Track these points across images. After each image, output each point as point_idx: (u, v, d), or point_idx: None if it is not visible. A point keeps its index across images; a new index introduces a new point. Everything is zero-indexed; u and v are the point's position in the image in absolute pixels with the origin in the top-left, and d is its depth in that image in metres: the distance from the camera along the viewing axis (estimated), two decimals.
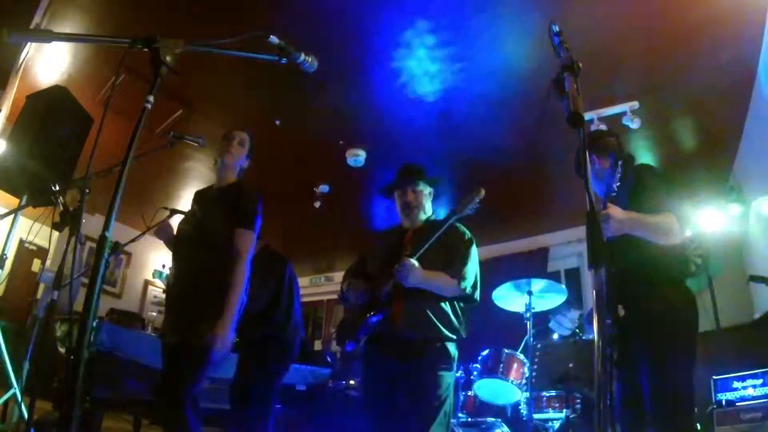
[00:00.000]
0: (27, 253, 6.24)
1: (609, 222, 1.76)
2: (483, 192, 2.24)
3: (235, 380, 3.12)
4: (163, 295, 7.60)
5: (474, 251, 2.30)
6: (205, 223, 2.20)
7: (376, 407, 2.21)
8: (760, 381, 3.23)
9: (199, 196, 2.40)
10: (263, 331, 3.13)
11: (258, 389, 2.99)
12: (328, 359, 5.45)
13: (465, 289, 2.18)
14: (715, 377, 3.46)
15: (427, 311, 2.16)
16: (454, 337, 2.21)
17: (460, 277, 2.18)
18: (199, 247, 2.15)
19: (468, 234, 2.35)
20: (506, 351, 3.58)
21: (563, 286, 3.75)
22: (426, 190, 2.41)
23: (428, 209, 2.41)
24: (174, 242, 2.31)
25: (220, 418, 4.24)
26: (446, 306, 2.20)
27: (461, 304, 2.27)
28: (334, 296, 8.22)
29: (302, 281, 3.93)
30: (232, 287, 2.05)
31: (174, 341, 2.08)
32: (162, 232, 2.34)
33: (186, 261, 2.19)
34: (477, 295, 2.24)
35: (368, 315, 2.18)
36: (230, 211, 2.18)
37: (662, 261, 1.94)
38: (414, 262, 2.08)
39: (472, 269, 2.25)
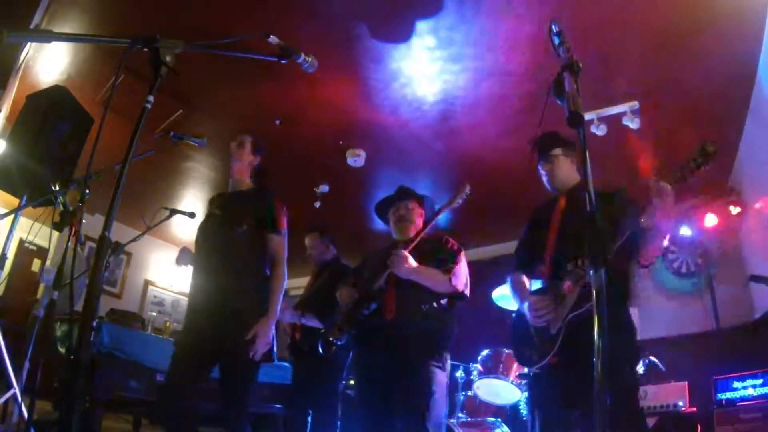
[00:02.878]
0: (27, 253, 6.24)
1: (668, 196, 1.70)
2: (468, 187, 2.45)
3: (297, 387, 3.49)
4: (163, 295, 7.67)
5: (464, 257, 2.42)
6: (232, 223, 2.23)
7: (370, 406, 2.25)
8: (760, 381, 3.23)
9: (217, 200, 2.43)
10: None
11: (332, 390, 3.33)
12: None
13: (456, 286, 2.27)
14: (715, 377, 3.46)
15: (419, 305, 2.24)
16: (445, 333, 2.29)
17: (452, 275, 2.28)
18: (228, 250, 2.18)
19: (457, 244, 2.48)
20: (506, 351, 3.58)
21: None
22: (418, 210, 2.56)
23: (418, 226, 2.51)
24: (197, 247, 2.32)
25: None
26: (437, 303, 2.28)
27: (451, 303, 2.35)
28: None
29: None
30: (273, 291, 2.14)
31: (219, 351, 2.08)
32: (182, 258, 2.34)
33: (213, 266, 2.19)
34: (467, 291, 2.35)
35: (362, 307, 2.26)
36: (255, 214, 2.24)
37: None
38: (406, 252, 2.22)
39: (463, 271, 2.36)
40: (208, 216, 2.37)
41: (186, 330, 2.25)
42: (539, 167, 2.20)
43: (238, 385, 2.09)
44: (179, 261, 2.35)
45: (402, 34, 3.52)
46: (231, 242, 2.17)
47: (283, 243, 2.26)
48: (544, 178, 2.19)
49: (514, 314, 2.19)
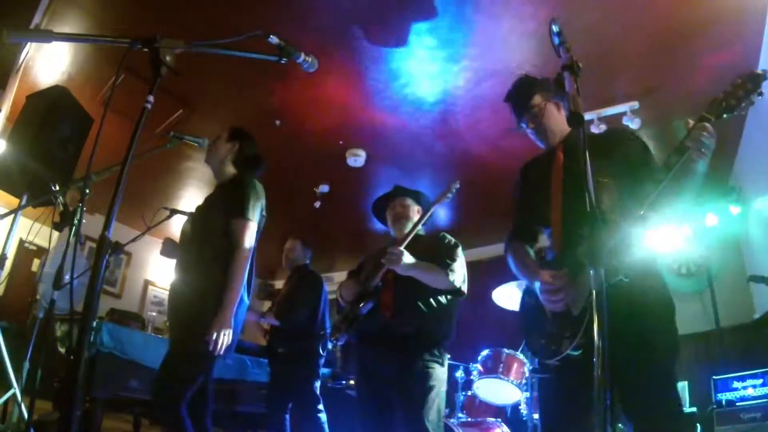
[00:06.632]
0: (27, 253, 6.24)
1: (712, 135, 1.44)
2: (457, 182, 2.43)
3: (273, 386, 3.55)
4: (164, 295, 7.67)
5: (461, 253, 2.40)
6: (204, 217, 2.17)
7: (370, 403, 2.27)
8: (760, 381, 3.23)
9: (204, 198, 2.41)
10: (302, 344, 3.49)
11: (309, 388, 3.40)
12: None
13: (453, 281, 2.26)
14: (715, 377, 3.46)
15: (417, 302, 2.23)
16: (443, 331, 2.29)
17: (450, 270, 2.27)
18: (197, 243, 2.12)
19: (454, 240, 2.47)
20: (506, 351, 3.58)
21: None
22: (414, 207, 2.55)
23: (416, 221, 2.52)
24: (179, 240, 2.29)
25: (220, 418, 4.25)
26: (435, 300, 2.27)
27: (450, 299, 2.34)
28: (335, 296, 8.19)
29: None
30: (230, 280, 1.96)
31: (172, 339, 2.07)
32: (166, 249, 2.31)
33: (184, 257, 2.16)
34: (464, 287, 2.32)
35: (359, 306, 2.26)
36: (226, 203, 2.13)
37: None
38: (402, 249, 2.20)
39: (461, 266, 2.34)
40: (192, 212, 2.34)
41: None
42: (522, 126, 1.88)
43: (178, 373, 1.94)
44: (163, 252, 2.31)
45: (402, 33, 3.52)
46: (201, 234, 2.11)
47: (243, 227, 2.04)
48: (532, 136, 1.86)
49: (523, 294, 1.84)
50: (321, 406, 3.43)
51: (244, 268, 2.03)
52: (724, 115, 1.45)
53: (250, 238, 2.07)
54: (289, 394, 3.46)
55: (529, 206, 1.86)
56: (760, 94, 1.40)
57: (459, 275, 2.30)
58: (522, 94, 1.86)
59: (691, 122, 1.46)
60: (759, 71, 1.41)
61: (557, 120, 1.81)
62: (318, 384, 3.51)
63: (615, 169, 1.60)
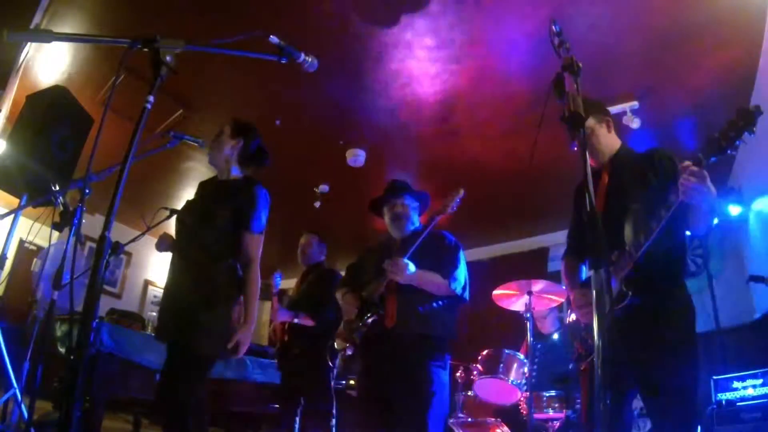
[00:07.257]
0: (27, 253, 6.23)
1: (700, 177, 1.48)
2: (462, 191, 2.38)
3: (286, 387, 3.54)
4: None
5: (462, 256, 2.40)
6: (207, 216, 2.14)
7: (372, 405, 2.25)
8: (760, 381, 3.23)
9: (201, 188, 2.36)
10: (321, 344, 3.43)
11: (325, 389, 3.29)
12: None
13: (455, 289, 2.26)
14: (715, 377, 3.46)
15: (419, 309, 2.23)
16: (446, 335, 2.29)
17: (451, 277, 2.27)
18: (198, 243, 2.09)
19: (455, 240, 2.46)
20: (506, 351, 3.58)
21: (563, 286, 3.75)
22: (413, 204, 2.51)
23: (415, 221, 2.49)
24: (175, 234, 2.25)
25: (220, 418, 4.25)
26: (437, 305, 2.27)
27: (451, 304, 2.33)
28: None
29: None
30: (249, 294, 2.06)
31: (172, 340, 2.02)
32: (162, 244, 2.27)
33: (184, 256, 2.13)
34: (466, 294, 2.34)
35: (364, 318, 2.25)
36: (234, 208, 2.12)
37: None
38: (406, 260, 2.19)
39: (462, 271, 2.34)
40: (190, 202, 2.29)
41: (157, 319, 2.21)
42: (575, 145, 2.05)
43: (183, 379, 1.95)
44: (159, 247, 2.27)
45: (402, 33, 3.52)
46: (203, 236, 2.08)
47: (256, 242, 2.10)
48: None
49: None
50: (334, 410, 3.42)
51: (258, 280, 2.11)
52: (713, 158, 1.51)
53: (260, 251, 2.15)
54: (303, 394, 3.43)
55: (578, 228, 2.10)
56: (753, 132, 1.45)
57: (461, 281, 2.29)
58: (576, 117, 1.93)
59: (687, 163, 1.52)
60: (751, 107, 1.44)
61: (606, 140, 2.00)
62: (333, 383, 3.50)
63: (647, 195, 1.71)
